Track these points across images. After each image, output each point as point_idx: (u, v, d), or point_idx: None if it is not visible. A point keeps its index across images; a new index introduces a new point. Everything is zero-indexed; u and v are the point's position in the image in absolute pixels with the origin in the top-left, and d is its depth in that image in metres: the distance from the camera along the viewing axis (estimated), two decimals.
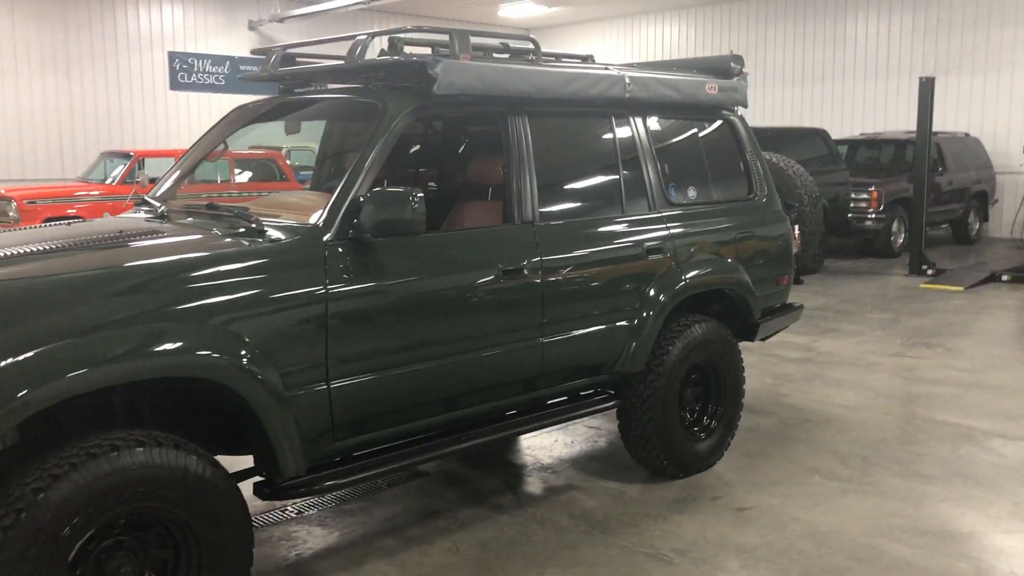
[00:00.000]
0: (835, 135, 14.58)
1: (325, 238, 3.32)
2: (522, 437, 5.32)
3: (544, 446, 5.30)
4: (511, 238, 3.95)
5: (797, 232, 5.90)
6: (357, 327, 3.34)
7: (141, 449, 2.75)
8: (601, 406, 4.47)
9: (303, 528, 4.19)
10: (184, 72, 18.52)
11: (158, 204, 3.96)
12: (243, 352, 2.98)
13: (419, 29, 3.93)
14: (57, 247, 3.24)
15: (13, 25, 16.44)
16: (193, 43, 18.80)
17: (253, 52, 4.56)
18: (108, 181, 13.37)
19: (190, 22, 18.84)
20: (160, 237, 3.50)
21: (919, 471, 4.83)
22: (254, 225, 3.38)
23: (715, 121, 5.10)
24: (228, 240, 3.34)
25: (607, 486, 4.67)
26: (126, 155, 13.71)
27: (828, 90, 18.61)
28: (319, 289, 3.23)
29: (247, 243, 3.27)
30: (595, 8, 21.10)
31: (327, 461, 3.46)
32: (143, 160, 13.42)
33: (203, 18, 19.01)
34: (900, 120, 17.15)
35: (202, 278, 3.03)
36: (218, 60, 18.93)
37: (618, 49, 22.11)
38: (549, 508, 4.39)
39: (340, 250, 3.33)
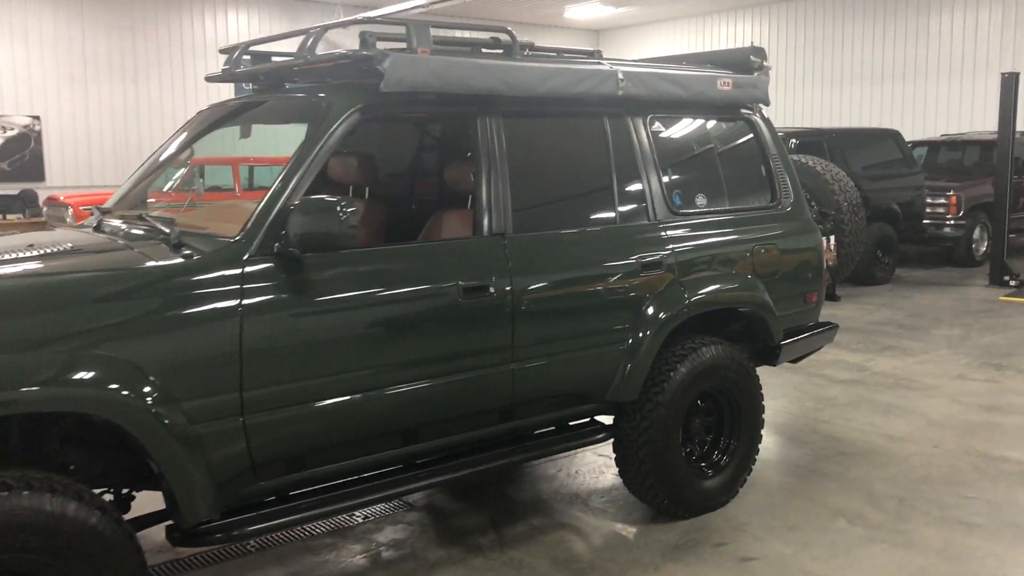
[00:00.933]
0: (916, 136, 13.69)
1: (246, 253, 2.97)
2: (526, 465, 4.89)
3: (546, 476, 4.87)
4: (475, 252, 3.54)
5: (833, 243, 5.32)
6: (277, 354, 2.97)
7: (5, 494, 2.43)
8: (589, 439, 4.02)
9: (257, 568, 3.85)
10: None
11: (98, 215, 3.68)
12: (132, 383, 2.64)
13: (370, 20, 3.54)
14: None
15: (83, 34, 16.76)
16: None
17: (220, 51, 4.26)
18: (166, 188, 13.43)
19: (255, 29, 18.94)
20: (63, 255, 3.20)
21: (963, 518, 4.23)
22: (172, 239, 3.05)
23: (733, 121, 4.60)
24: (135, 256, 3.02)
25: (603, 526, 4.22)
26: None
27: (909, 89, 17.60)
28: (232, 311, 2.88)
29: (154, 259, 2.94)
30: (664, 8, 20.47)
31: (257, 501, 3.12)
32: (202, 167, 13.45)
33: (267, 24, 19.10)
34: (988, 120, 16.07)
35: (88, 299, 2.71)
36: None
37: (688, 51, 21.43)
38: (531, 551, 3.96)
39: (262, 267, 2.98)
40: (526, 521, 4.27)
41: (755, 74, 4.56)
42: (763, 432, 4.53)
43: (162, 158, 4.06)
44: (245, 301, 2.90)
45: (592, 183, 4.04)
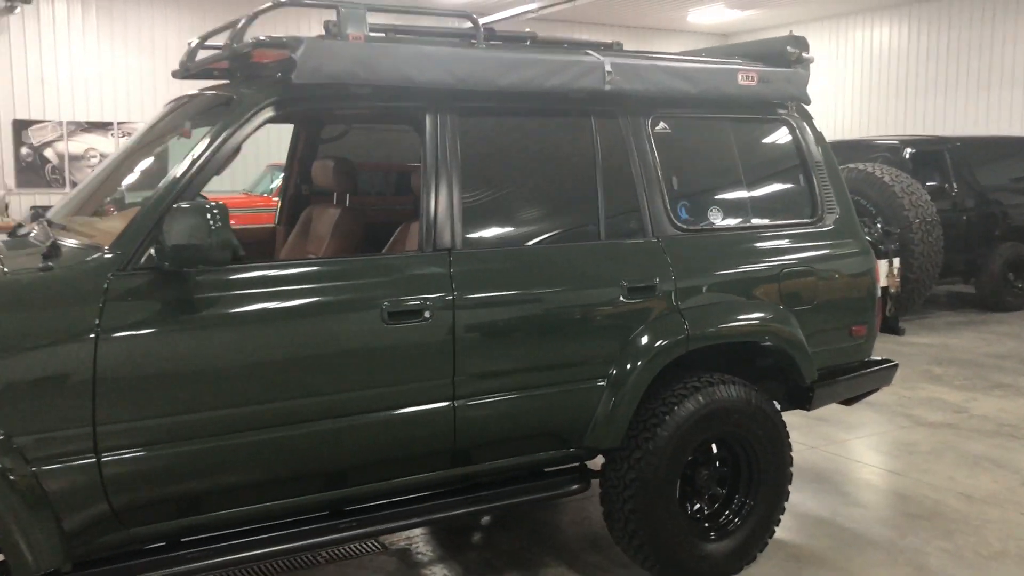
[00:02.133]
0: None
1: (116, 266, 2.61)
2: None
3: (547, 521, 4.32)
4: (407, 269, 3.06)
5: (897, 267, 4.52)
6: (139, 386, 2.58)
7: None
8: (561, 489, 3.47)
9: None
10: None
11: (29, 221, 3.42)
12: None
13: (295, 3, 3.12)
14: None
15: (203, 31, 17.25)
16: None
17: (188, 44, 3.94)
18: (265, 193, 13.58)
19: None
20: None
21: None
22: (44, 249, 2.71)
23: (764, 122, 3.94)
24: None
25: None
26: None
27: None
28: (87, 335, 2.51)
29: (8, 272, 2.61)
30: (794, 10, 19.33)
31: (136, 548, 2.75)
32: (273, 171, 13.51)
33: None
34: None
35: None
36: None
37: (822, 56, 20.16)
38: None
39: (131, 284, 2.60)
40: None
41: (793, 67, 3.89)
42: (811, 482, 3.84)
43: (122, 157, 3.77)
44: (103, 323, 2.52)
45: (569, 192, 3.49)
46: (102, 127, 15.92)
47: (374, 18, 3.21)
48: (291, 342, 2.81)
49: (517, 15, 17.24)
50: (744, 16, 19.77)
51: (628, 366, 3.36)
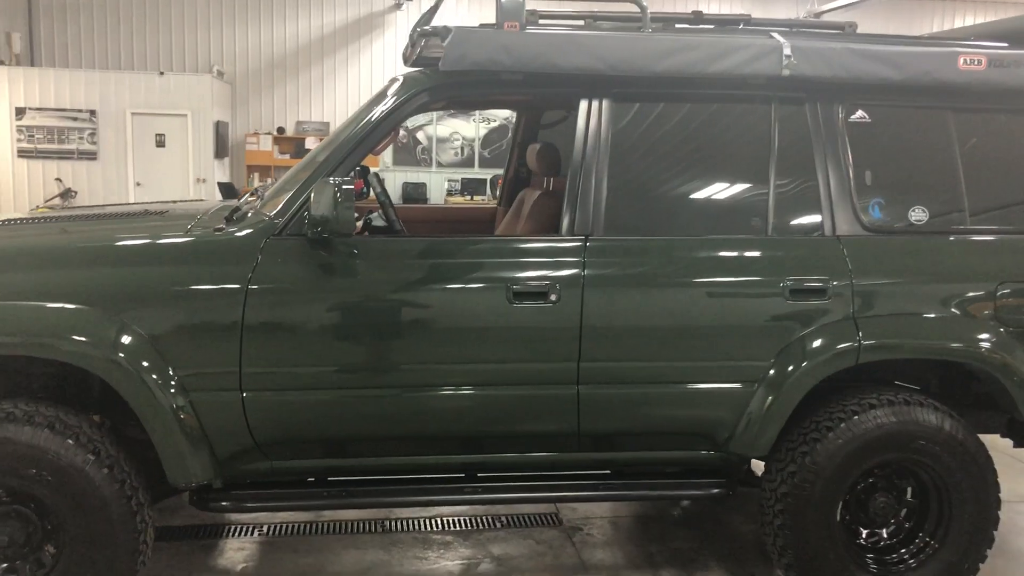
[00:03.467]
0: None
1: (270, 232, 2.99)
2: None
3: (728, 525, 4.15)
4: (538, 253, 3.12)
5: None
6: (276, 335, 2.94)
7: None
8: (691, 492, 3.36)
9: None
10: None
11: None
12: (122, 338, 2.82)
13: None
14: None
15: None
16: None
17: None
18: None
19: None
20: (138, 220, 3.50)
21: None
22: (227, 214, 3.19)
23: (999, 113, 3.40)
24: (174, 228, 3.20)
25: None
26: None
27: None
28: (240, 287, 2.92)
29: (187, 234, 3.10)
30: None
31: (288, 479, 3.18)
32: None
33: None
34: None
35: (112, 259, 2.96)
36: None
37: None
38: None
39: (279, 247, 2.97)
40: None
41: None
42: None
43: None
44: (252, 280, 2.92)
45: (734, 183, 3.31)
46: (464, 114, 17.38)
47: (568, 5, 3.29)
48: (418, 315, 3.03)
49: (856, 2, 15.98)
50: None
51: (784, 370, 3.13)
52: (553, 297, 3.04)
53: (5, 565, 2.88)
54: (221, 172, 16.15)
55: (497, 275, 3.06)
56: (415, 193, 16.64)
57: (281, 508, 3.21)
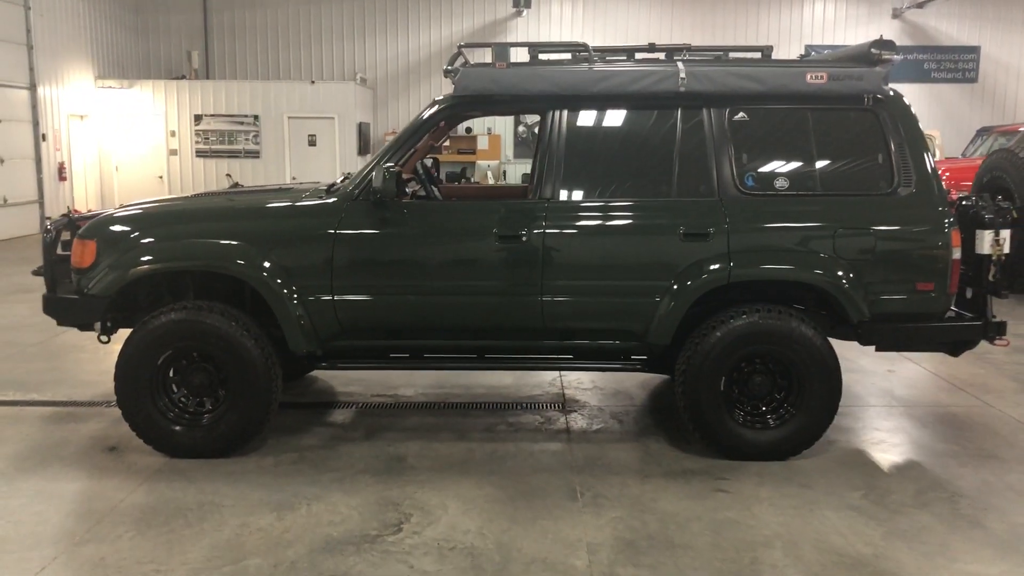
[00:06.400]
0: None
1: (350, 198, 4.85)
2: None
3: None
4: (516, 210, 4.83)
5: (1005, 236, 4.86)
6: (352, 260, 4.79)
7: None
8: (605, 364, 5.08)
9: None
10: None
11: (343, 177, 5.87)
12: (265, 263, 4.73)
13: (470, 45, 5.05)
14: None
15: (671, 32, 19.51)
16: (831, 35, 19.58)
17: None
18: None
19: (830, 15, 19.62)
20: (273, 193, 5.42)
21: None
22: (325, 186, 5.09)
23: (848, 112, 4.84)
24: (295, 198, 5.09)
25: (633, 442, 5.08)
26: None
27: None
28: (331, 234, 4.79)
29: (305, 200, 5.00)
30: None
31: (359, 352, 5.05)
32: None
33: (843, 10, 19.60)
34: None
35: (259, 216, 4.91)
36: None
37: None
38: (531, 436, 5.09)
39: (355, 207, 4.82)
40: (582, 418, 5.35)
41: (876, 67, 4.73)
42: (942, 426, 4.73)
43: None
44: (339, 227, 4.78)
45: (651, 163, 4.88)
46: None
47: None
48: (436, 252, 4.81)
49: None
50: None
51: (679, 286, 4.72)
52: (524, 238, 4.76)
53: (199, 398, 4.87)
54: None
55: (485, 224, 4.80)
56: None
57: (357, 368, 5.09)
